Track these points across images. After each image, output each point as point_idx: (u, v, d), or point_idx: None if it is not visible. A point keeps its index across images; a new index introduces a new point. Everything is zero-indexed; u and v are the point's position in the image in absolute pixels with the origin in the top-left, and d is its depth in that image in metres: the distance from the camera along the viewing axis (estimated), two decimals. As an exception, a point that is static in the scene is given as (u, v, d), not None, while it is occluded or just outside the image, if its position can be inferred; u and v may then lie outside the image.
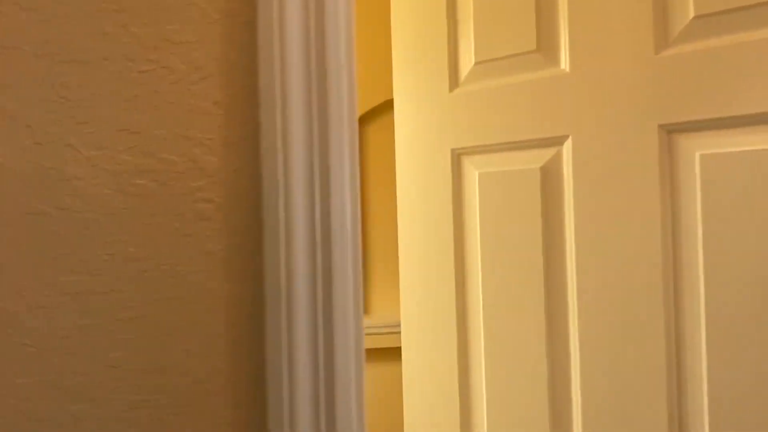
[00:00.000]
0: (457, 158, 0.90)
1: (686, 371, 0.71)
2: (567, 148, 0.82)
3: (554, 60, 0.83)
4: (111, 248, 0.40)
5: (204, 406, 0.40)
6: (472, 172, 0.89)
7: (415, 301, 0.93)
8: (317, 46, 0.41)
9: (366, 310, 1.69)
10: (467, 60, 0.89)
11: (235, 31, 0.41)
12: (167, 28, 0.41)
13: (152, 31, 0.40)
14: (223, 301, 0.41)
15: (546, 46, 0.83)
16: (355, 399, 0.42)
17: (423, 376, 0.93)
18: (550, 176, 0.83)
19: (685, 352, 0.72)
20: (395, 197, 0.96)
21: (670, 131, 0.75)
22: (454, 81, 0.90)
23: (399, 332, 0.96)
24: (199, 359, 0.40)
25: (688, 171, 0.73)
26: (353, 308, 0.43)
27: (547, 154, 0.83)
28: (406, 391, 0.95)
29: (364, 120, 1.49)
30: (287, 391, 0.39)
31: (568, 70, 0.81)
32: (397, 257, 0.96)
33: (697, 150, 0.72)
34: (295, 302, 0.40)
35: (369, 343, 1.50)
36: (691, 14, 0.71)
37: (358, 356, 0.43)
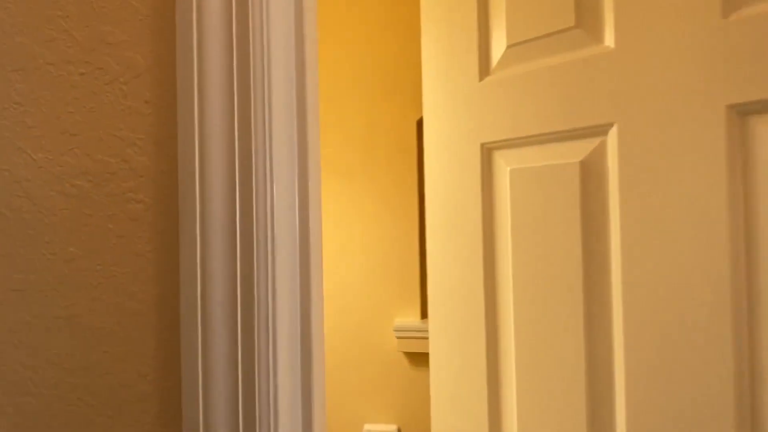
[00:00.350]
0: (487, 153, 0.82)
1: (763, 384, 0.57)
2: (612, 137, 0.70)
3: (597, 36, 0.71)
4: (53, 248, 0.41)
5: (129, 412, 0.39)
6: (503, 168, 0.80)
7: (442, 304, 0.87)
8: (239, 41, 0.38)
9: (424, 314, 1.63)
10: (499, 44, 0.81)
11: (166, 27, 0.40)
12: (103, 29, 0.41)
13: (90, 34, 0.41)
14: (151, 304, 0.40)
15: (587, 21, 0.72)
16: (282, 411, 0.39)
17: (450, 382, 0.86)
18: (591, 171, 0.71)
19: (761, 362, 0.58)
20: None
21: (743, 113, 0.60)
22: (484, 68, 0.82)
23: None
24: (126, 364, 0.40)
25: (766, 160, 0.58)
26: (287, 315, 0.40)
27: (588, 145, 0.72)
28: (433, 400, 0.89)
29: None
30: (202, 406, 0.37)
31: (613, 46, 0.69)
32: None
33: (774, 135, 0.57)
34: (211, 309, 0.37)
35: (424, 347, 1.44)
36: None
37: (291, 363, 0.40)
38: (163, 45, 0.40)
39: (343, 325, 1.86)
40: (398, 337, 1.62)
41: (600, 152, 0.71)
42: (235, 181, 0.38)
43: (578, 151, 0.73)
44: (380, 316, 1.82)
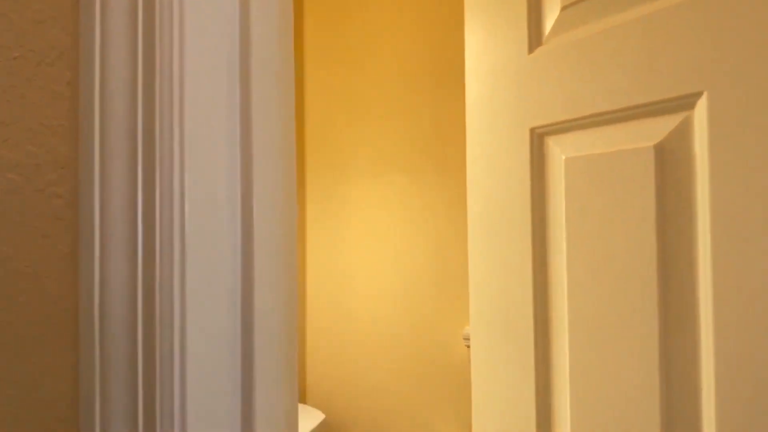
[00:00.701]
0: (538, 140, 0.68)
1: None
2: (700, 111, 0.53)
3: (679, -20, 0.55)
4: (-9, 247, 0.38)
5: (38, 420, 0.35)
6: (557, 156, 0.65)
7: (484, 311, 0.74)
8: (145, 18, 0.32)
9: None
10: (552, 7, 0.66)
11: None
12: (33, 8, 0.37)
13: (24, 15, 0.37)
14: (71, 311, 0.35)
15: (665, -37, 0.55)
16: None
17: (493, 391, 0.73)
18: (670, 156, 0.55)
19: None
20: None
21: None
22: (535, 38, 0.68)
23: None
24: (47, 378, 0.35)
25: None
26: (215, 337, 0.33)
27: (666, 124, 0.55)
28: (475, 411, 0.77)
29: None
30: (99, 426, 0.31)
31: (701, -9, 0.52)
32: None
33: None
34: (110, 319, 0.31)
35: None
36: None
37: (201, 379, 0.32)
38: (87, 18, 0.36)
39: (409, 331, 1.77)
40: (467, 346, 1.49)
41: (683, 132, 0.54)
42: (137, 176, 0.31)
43: (653, 131, 0.56)
44: (449, 322, 1.70)
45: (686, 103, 0.54)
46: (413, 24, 1.74)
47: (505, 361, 0.72)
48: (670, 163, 0.55)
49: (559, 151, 0.65)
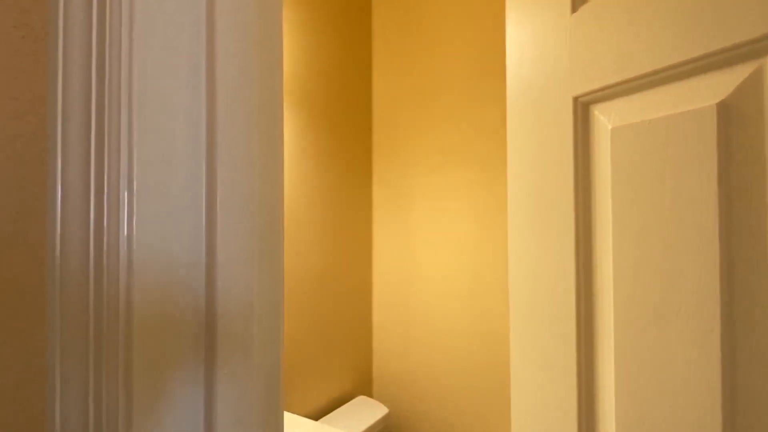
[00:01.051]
0: (582, 110, 0.60)
1: None
2: (775, 58, 0.43)
3: None
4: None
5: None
6: (603, 126, 0.57)
7: (523, 299, 0.67)
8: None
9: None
10: (597, -44, 0.58)
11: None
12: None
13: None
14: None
15: None
16: None
17: (532, 393, 0.66)
18: (737, 116, 0.45)
19: None
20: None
21: None
22: (579, -6, 0.60)
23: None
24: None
25: None
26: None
27: (732, 77, 0.46)
28: (514, 415, 0.70)
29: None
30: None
31: None
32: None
33: None
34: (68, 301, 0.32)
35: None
36: None
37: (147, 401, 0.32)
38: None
39: (474, 327, 1.70)
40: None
41: (753, 85, 0.44)
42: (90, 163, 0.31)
43: (715, 88, 0.47)
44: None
45: (757, 49, 0.44)
46: (480, 14, 1.67)
47: (541, 355, 0.64)
48: (737, 125, 0.45)
49: (606, 121, 0.57)
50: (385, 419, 1.66)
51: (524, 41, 0.67)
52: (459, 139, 1.72)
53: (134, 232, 0.31)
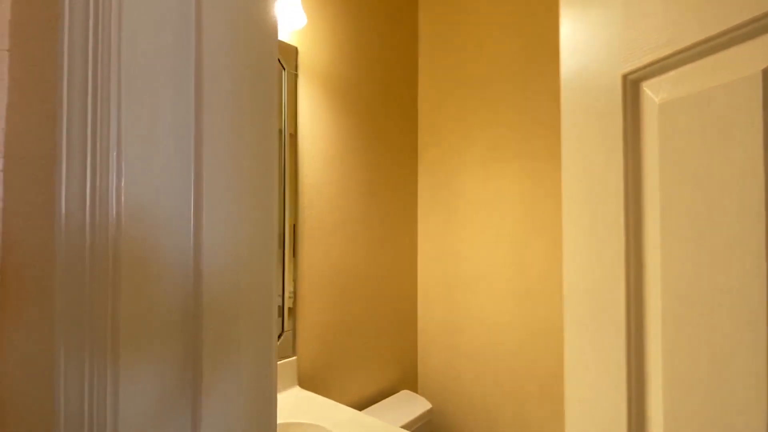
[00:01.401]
0: (632, 87, 0.61)
1: None
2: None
3: None
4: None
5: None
6: (651, 101, 0.58)
7: (577, 288, 0.68)
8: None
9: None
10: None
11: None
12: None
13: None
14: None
15: None
16: None
17: (584, 389, 0.66)
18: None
19: None
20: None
21: None
22: (629, -25, 0.61)
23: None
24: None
25: None
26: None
27: (783, 43, 0.46)
28: (567, 412, 0.70)
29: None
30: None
31: None
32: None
33: None
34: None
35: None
36: None
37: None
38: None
39: (520, 327, 1.68)
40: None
41: (805, 50, 0.44)
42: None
43: (760, 54, 0.47)
44: (562, 318, 1.58)
45: (811, 14, 0.44)
46: (527, 8, 1.67)
47: (592, 348, 0.65)
48: (787, 91, 0.45)
49: (653, 97, 0.58)
50: (428, 414, 1.67)
51: (578, 25, 0.68)
52: (507, 132, 1.72)
53: (122, 191, 0.36)
